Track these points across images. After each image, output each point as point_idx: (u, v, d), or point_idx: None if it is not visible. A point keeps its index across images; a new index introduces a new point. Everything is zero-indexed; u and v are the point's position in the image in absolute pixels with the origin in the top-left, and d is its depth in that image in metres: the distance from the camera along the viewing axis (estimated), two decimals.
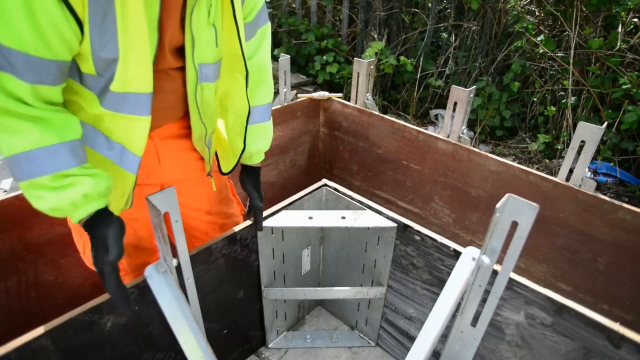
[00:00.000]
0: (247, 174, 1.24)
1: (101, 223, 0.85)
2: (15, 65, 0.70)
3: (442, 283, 1.19)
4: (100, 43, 0.75)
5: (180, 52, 0.91)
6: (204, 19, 0.87)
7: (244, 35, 1.00)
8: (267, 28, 1.10)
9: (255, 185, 1.23)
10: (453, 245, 1.15)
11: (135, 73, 0.81)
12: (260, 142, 1.21)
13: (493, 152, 3.26)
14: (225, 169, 1.23)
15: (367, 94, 1.97)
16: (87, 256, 1.16)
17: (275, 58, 4.00)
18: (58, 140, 0.79)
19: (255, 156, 1.22)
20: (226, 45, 0.96)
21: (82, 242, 1.14)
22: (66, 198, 0.81)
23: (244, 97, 1.04)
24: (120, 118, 0.87)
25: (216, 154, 1.24)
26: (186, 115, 1.05)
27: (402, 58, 3.52)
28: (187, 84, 0.94)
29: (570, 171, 1.44)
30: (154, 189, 0.97)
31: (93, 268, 1.18)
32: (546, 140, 3.05)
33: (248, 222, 1.26)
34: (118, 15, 0.74)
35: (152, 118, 0.92)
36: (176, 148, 1.10)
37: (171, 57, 0.90)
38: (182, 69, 0.93)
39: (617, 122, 2.77)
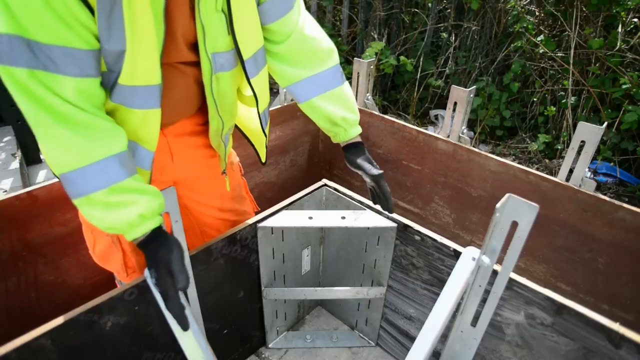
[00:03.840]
0: (351, 152, 1.13)
1: (161, 247, 0.85)
2: (57, 61, 0.72)
3: (442, 283, 1.19)
4: (107, 35, 0.75)
5: (195, 45, 0.89)
6: (212, 5, 0.84)
7: (267, 13, 0.95)
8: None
9: (366, 159, 1.12)
10: (453, 245, 1.14)
11: (143, 65, 0.81)
12: (338, 110, 1.09)
13: (493, 152, 3.26)
14: (263, 159, 1.21)
15: (367, 94, 1.97)
16: (96, 253, 1.16)
17: None
18: (107, 154, 0.80)
19: (343, 126, 1.10)
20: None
21: (93, 238, 1.14)
22: (123, 217, 0.82)
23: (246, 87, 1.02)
24: (131, 113, 0.87)
25: (254, 146, 1.22)
26: (200, 111, 1.03)
27: (402, 58, 3.52)
28: (203, 75, 0.92)
29: (570, 171, 1.44)
30: (167, 185, 0.97)
31: (101, 264, 1.19)
32: (546, 140, 3.05)
33: (248, 222, 1.25)
34: (125, 6, 0.73)
35: (165, 115, 0.92)
36: (190, 145, 1.09)
37: (186, 50, 0.89)
38: (196, 63, 0.92)
39: (617, 122, 2.77)
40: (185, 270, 0.86)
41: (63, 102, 0.74)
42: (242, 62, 0.94)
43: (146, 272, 0.89)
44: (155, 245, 0.86)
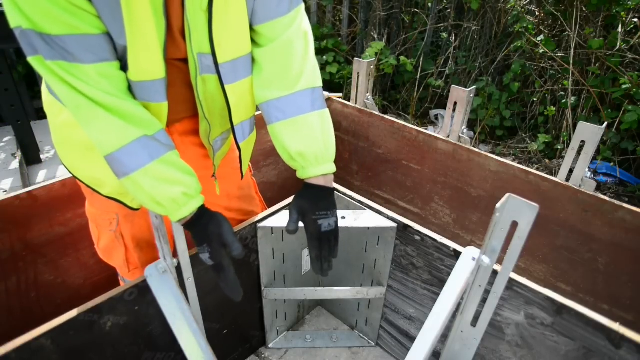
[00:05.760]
0: (301, 194, 0.99)
1: (210, 222, 0.90)
2: (71, 50, 0.73)
3: (442, 283, 1.19)
4: (114, 31, 0.76)
5: None
6: (197, 4, 0.82)
7: (242, 27, 0.90)
8: (301, 8, 0.95)
9: (303, 209, 0.96)
10: (453, 245, 1.14)
11: (145, 60, 0.81)
12: (294, 141, 0.95)
13: (493, 152, 3.26)
14: (241, 172, 1.17)
15: (367, 94, 1.97)
16: (100, 247, 1.17)
17: None
18: (146, 132, 0.82)
19: (307, 165, 0.97)
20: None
21: (98, 233, 1.14)
22: (168, 194, 0.85)
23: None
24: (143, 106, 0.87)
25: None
26: None
27: (402, 58, 3.52)
28: (190, 75, 0.91)
29: (570, 171, 1.44)
30: None
31: (105, 259, 1.19)
32: (546, 140, 3.05)
33: (248, 222, 1.25)
34: (123, 4, 0.73)
35: (170, 111, 0.92)
36: (195, 144, 1.09)
37: (182, 46, 0.88)
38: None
39: (617, 122, 2.77)
40: (237, 239, 0.91)
41: (91, 87, 0.76)
42: (217, 65, 0.89)
43: (198, 249, 0.92)
44: (204, 222, 0.90)
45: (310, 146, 0.96)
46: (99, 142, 0.81)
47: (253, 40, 0.96)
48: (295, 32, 0.94)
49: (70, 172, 1.04)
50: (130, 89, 0.84)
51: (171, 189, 0.85)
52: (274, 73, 0.95)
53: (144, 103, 0.86)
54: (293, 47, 0.93)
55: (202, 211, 0.91)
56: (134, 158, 0.82)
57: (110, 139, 0.80)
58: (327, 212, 0.97)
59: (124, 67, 0.81)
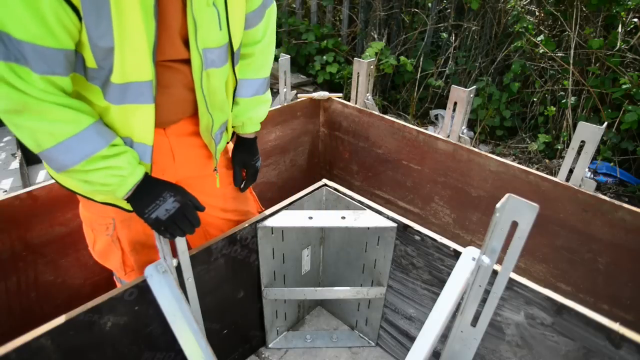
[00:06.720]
0: (237, 147, 1.24)
1: (158, 184, 0.96)
2: (27, 57, 0.73)
3: (442, 283, 1.19)
4: (97, 32, 0.76)
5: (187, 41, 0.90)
6: (204, 0, 0.85)
7: (249, 21, 1.03)
8: (273, 8, 1.12)
9: (244, 159, 1.23)
10: (453, 245, 1.14)
11: (132, 62, 0.81)
12: (254, 112, 1.21)
13: (493, 152, 3.26)
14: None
15: (367, 94, 1.97)
16: (96, 250, 1.17)
17: (275, 58, 3.99)
18: (95, 119, 0.86)
19: (248, 124, 1.22)
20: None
21: (93, 236, 1.14)
22: (124, 159, 0.89)
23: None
24: (123, 110, 0.87)
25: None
26: None
27: (402, 58, 3.52)
28: (193, 72, 0.93)
29: (570, 171, 1.44)
30: None
31: (101, 262, 1.20)
32: (546, 140, 3.05)
33: (248, 222, 1.26)
34: (112, 4, 0.73)
35: (164, 114, 0.93)
36: (191, 145, 1.10)
37: (182, 47, 0.89)
38: (189, 60, 0.92)
39: (617, 122, 2.77)
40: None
41: (38, 90, 0.76)
42: (232, 53, 0.99)
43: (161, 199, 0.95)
44: (153, 185, 0.95)
45: (259, 114, 1.23)
46: (49, 132, 0.80)
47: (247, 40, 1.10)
48: (272, 32, 1.15)
49: (61, 185, 1.03)
50: (113, 94, 0.84)
51: (128, 154, 0.90)
52: (253, 64, 1.15)
53: (129, 106, 0.87)
54: (271, 46, 1.18)
55: (148, 180, 0.95)
56: (90, 143, 0.84)
57: (64, 128, 0.81)
58: (258, 156, 1.27)
59: (106, 70, 0.81)
